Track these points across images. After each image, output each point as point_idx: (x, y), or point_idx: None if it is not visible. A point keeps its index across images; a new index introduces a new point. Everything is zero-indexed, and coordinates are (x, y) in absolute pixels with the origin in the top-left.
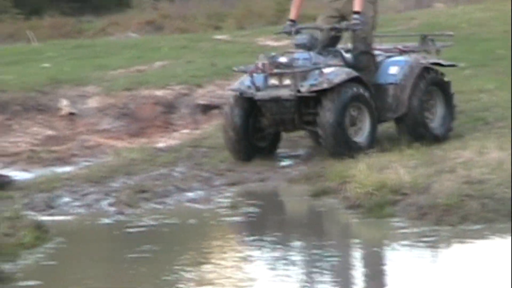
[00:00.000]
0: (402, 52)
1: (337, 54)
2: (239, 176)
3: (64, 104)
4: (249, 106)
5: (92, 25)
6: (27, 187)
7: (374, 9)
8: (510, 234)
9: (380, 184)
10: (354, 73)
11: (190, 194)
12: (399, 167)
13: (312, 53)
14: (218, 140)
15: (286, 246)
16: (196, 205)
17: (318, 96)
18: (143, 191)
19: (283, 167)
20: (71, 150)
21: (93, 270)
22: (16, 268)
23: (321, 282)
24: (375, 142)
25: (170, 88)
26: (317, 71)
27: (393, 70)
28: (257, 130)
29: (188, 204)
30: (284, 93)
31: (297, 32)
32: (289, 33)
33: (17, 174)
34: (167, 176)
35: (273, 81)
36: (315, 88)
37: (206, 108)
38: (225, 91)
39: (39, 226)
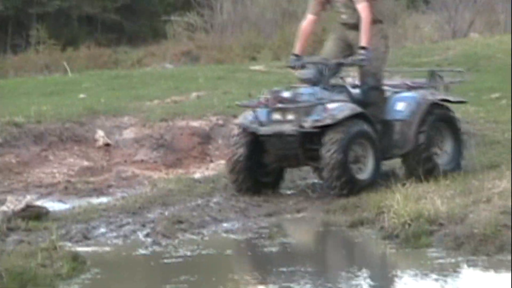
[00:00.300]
0: (410, 88)
1: (343, 90)
2: (276, 207)
3: (101, 135)
4: (253, 141)
5: (128, 56)
6: (64, 218)
7: (386, 44)
8: None
9: (416, 214)
10: (358, 109)
11: (227, 225)
12: (435, 197)
13: (317, 88)
14: None
15: (323, 277)
16: (233, 236)
17: (322, 132)
18: (180, 222)
19: (320, 197)
20: (107, 181)
21: None
22: None
23: None
24: (378, 179)
25: (206, 119)
26: (321, 107)
27: (400, 106)
28: (261, 165)
29: (224, 234)
30: (287, 128)
31: (303, 66)
32: (293, 68)
33: (53, 205)
34: (204, 207)
35: (277, 116)
36: (318, 124)
37: None
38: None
39: (76, 257)
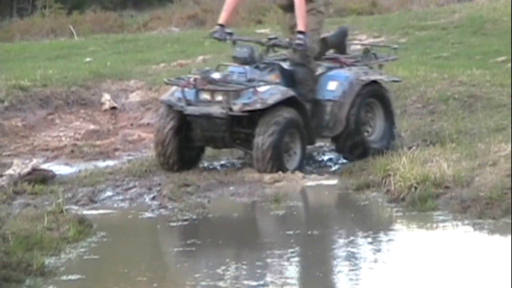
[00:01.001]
0: (342, 64)
1: (275, 68)
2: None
3: (107, 99)
4: (180, 118)
5: (134, 19)
6: (70, 182)
7: (317, 21)
8: None
9: (422, 177)
10: (290, 93)
11: (233, 188)
12: (441, 160)
13: (248, 68)
14: None
15: (329, 241)
16: (239, 199)
17: (252, 115)
18: (186, 185)
19: (325, 161)
20: (113, 144)
21: (135, 264)
22: (59, 262)
23: (364, 277)
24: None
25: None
26: (251, 89)
27: (332, 85)
28: (187, 142)
29: (231, 197)
30: (216, 110)
31: (234, 42)
32: (222, 40)
33: (59, 169)
34: (210, 170)
35: (205, 96)
36: (248, 108)
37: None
38: None
39: (82, 220)
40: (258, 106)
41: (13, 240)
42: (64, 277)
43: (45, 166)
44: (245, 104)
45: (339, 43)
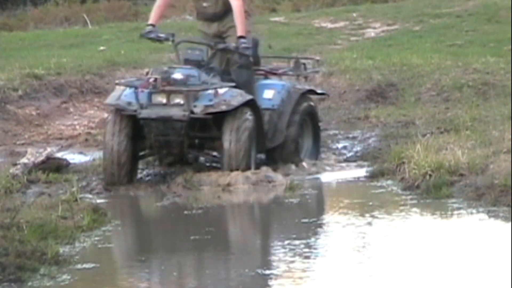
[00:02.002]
0: (268, 74)
1: (216, 72)
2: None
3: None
4: (132, 126)
5: (148, 7)
6: (84, 170)
7: (250, 23)
8: None
9: (437, 165)
10: (248, 96)
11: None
12: (456, 148)
13: (200, 71)
14: None
15: (341, 228)
16: (253, 187)
17: (215, 118)
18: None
19: (339, 149)
20: None
21: (150, 252)
22: (74, 251)
23: (377, 265)
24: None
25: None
26: (211, 91)
27: (269, 94)
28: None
29: (244, 186)
30: (176, 113)
31: (178, 44)
32: (161, 40)
33: (73, 157)
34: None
35: (160, 98)
36: (212, 110)
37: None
38: None
39: (96, 209)
40: (223, 107)
41: (28, 229)
42: (79, 266)
43: (59, 155)
44: (207, 106)
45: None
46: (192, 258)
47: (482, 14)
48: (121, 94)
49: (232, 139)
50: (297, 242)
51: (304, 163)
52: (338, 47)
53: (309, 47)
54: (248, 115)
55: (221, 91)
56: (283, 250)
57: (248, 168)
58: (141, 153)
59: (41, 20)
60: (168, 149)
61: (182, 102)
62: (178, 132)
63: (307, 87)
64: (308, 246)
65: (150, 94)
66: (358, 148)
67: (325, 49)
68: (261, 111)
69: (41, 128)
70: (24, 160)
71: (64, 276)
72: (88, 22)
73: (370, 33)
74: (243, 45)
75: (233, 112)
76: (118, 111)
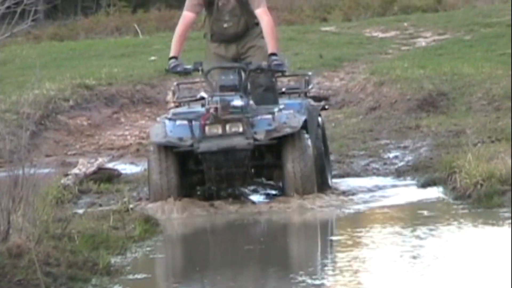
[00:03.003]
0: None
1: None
2: (346, 168)
3: (172, 97)
4: (181, 163)
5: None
6: (135, 180)
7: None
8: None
9: (488, 174)
10: (302, 116)
11: None
12: (507, 157)
13: (242, 96)
14: (326, 132)
15: (394, 240)
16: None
17: (276, 144)
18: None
19: (391, 158)
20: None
21: (203, 262)
22: (125, 261)
23: (428, 274)
24: None
25: (278, 80)
26: (269, 115)
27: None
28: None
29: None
30: (240, 142)
31: (208, 72)
32: (190, 72)
33: (125, 167)
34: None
35: (215, 129)
36: (276, 134)
37: (315, 99)
38: (332, 82)
39: (148, 219)
40: (287, 130)
41: (79, 239)
42: (130, 276)
43: (110, 165)
44: (269, 131)
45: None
46: (246, 270)
47: None
48: (166, 130)
49: (297, 163)
50: (349, 254)
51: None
52: (389, 56)
53: (360, 57)
54: (307, 136)
55: (277, 114)
56: (340, 261)
57: (313, 191)
58: (192, 188)
59: (91, 29)
60: (230, 181)
61: (240, 130)
62: (242, 162)
63: (321, 103)
64: (359, 258)
65: (202, 126)
66: (409, 158)
67: (376, 59)
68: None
69: (92, 138)
70: (75, 170)
71: (116, 287)
72: (139, 31)
73: (421, 42)
74: (275, 62)
75: (291, 135)
76: (163, 148)
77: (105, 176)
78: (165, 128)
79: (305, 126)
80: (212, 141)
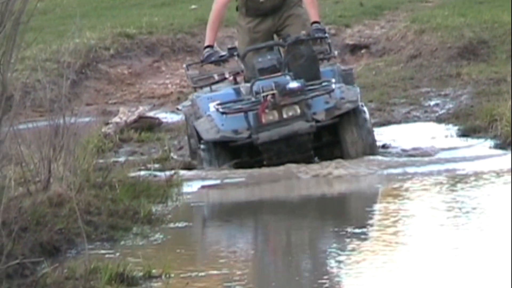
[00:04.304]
0: None
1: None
2: (387, 116)
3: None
4: (231, 154)
5: None
6: (176, 129)
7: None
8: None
9: None
10: (356, 88)
11: None
12: None
13: (287, 76)
14: (367, 80)
15: (433, 192)
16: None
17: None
18: None
19: (432, 106)
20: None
21: (244, 211)
22: (166, 209)
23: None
24: None
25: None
26: (326, 94)
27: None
28: None
29: None
30: (301, 126)
31: (244, 56)
32: (222, 61)
33: (166, 116)
34: None
35: (271, 116)
36: (338, 112)
37: (355, 48)
38: (373, 30)
39: (189, 167)
40: (349, 106)
41: (120, 188)
42: (172, 225)
43: (151, 114)
44: (329, 110)
45: None
46: (280, 221)
47: None
48: (217, 124)
49: (356, 139)
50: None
51: None
52: (430, 4)
53: (401, 5)
54: (362, 106)
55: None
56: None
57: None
58: None
59: None
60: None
61: (298, 113)
62: (305, 147)
63: (350, 66)
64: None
65: (259, 115)
66: (450, 106)
67: (417, 7)
68: None
69: (133, 87)
70: (116, 119)
71: (157, 235)
72: None
73: None
74: (316, 28)
75: (351, 110)
76: (215, 144)
77: (146, 125)
78: (214, 122)
79: None
80: (271, 130)
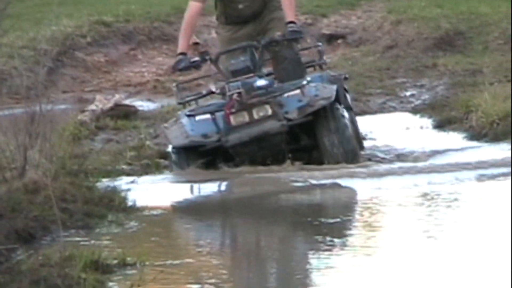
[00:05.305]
0: None
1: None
2: (363, 106)
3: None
4: (200, 156)
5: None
6: (152, 117)
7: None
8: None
9: (504, 113)
10: (333, 86)
11: None
12: None
13: (260, 77)
14: (343, 70)
15: (408, 174)
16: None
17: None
18: None
19: (407, 96)
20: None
21: (218, 195)
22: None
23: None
24: None
25: (295, 18)
26: (296, 91)
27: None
28: None
29: None
30: (272, 126)
31: (217, 59)
32: (198, 66)
33: (142, 104)
34: None
35: (241, 118)
36: (311, 110)
37: (331, 38)
38: (349, 20)
39: (163, 155)
40: (322, 103)
41: (96, 174)
42: (146, 212)
43: (127, 102)
44: (302, 108)
45: None
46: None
47: None
48: (186, 130)
49: (335, 142)
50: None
51: None
52: None
53: None
54: (342, 109)
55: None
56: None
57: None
58: None
59: None
60: (263, 162)
61: (269, 113)
62: (278, 147)
63: (342, 73)
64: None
65: (227, 116)
66: (426, 96)
67: None
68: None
69: (109, 75)
70: (92, 107)
71: (132, 223)
72: None
73: None
74: (291, 29)
75: (323, 110)
76: (185, 150)
77: (122, 113)
78: (184, 127)
79: (336, 97)
80: (241, 131)
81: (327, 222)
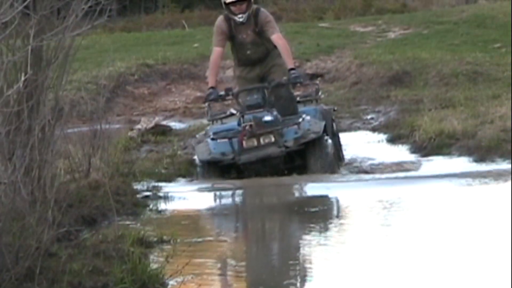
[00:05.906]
0: None
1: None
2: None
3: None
4: (219, 171)
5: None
6: (182, 134)
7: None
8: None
9: (439, 131)
10: (321, 122)
11: None
12: (453, 119)
13: (269, 111)
14: (322, 100)
15: (380, 188)
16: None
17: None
18: None
19: (368, 119)
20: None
21: (245, 195)
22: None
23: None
24: None
25: (294, 65)
26: (295, 125)
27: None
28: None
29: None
30: (274, 151)
31: (237, 95)
32: (222, 99)
33: (175, 124)
34: None
35: (251, 143)
36: (303, 140)
37: (313, 76)
38: (326, 63)
39: (191, 161)
40: (312, 136)
41: (141, 176)
42: (178, 204)
43: (164, 122)
44: (297, 139)
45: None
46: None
47: (473, 22)
48: (210, 148)
49: (318, 166)
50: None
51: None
52: (368, 45)
53: (347, 45)
54: (327, 139)
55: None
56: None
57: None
58: None
59: (151, 24)
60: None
61: (273, 140)
62: (276, 167)
63: (331, 106)
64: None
65: (241, 141)
66: (382, 119)
67: (358, 47)
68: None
69: (151, 103)
70: (138, 126)
71: (167, 211)
72: (186, 26)
73: (391, 35)
74: (293, 75)
75: (312, 141)
76: (210, 163)
77: (160, 131)
78: (208, 146)
79: (325, 128)
80: (250, 153)
81: (310, 211)
